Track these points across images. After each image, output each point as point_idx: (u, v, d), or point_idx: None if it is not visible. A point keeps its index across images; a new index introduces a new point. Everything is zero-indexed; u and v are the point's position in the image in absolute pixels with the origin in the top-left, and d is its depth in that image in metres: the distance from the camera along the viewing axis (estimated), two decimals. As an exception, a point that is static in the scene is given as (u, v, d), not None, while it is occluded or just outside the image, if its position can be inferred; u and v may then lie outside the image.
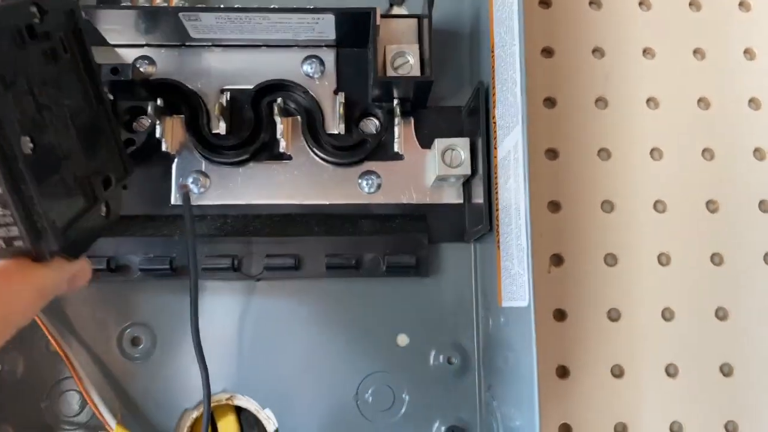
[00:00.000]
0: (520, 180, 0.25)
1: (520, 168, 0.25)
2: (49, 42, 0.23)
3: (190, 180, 0.34)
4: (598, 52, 0.38)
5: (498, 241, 0.29)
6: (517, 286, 0.26)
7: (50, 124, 0.23)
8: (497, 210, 0.30)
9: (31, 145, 0.21)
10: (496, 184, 0.30)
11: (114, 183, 0.26)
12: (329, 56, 0.35)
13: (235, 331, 0.34)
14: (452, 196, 0.35)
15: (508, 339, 0.28)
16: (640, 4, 0.39)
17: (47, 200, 0.21)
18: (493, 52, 0.30)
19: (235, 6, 0.31)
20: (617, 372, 0.35)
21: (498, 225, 0.29)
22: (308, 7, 0.32)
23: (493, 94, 0.30)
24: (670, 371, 0.35)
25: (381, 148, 0.35)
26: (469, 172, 0.32)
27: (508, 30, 0.27)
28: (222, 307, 0.34)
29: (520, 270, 0.25)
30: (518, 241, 0.26)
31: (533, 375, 0.23)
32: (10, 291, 0.21)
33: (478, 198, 0.32)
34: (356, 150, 0.34)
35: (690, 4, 0.39)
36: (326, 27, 0.33)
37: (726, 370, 0.35)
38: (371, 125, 0.35)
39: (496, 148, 0.30)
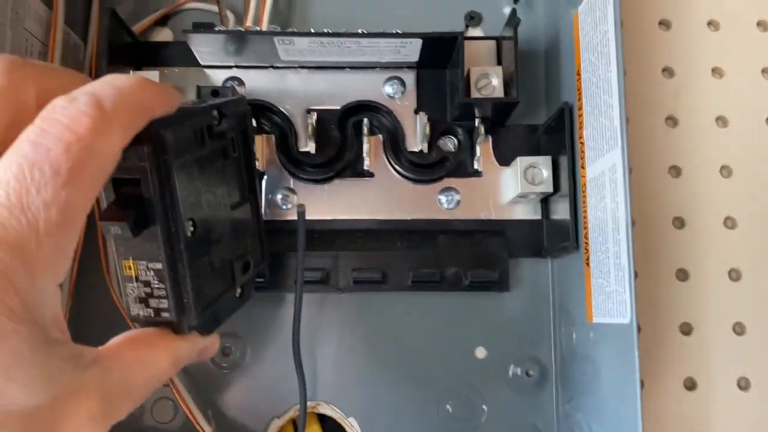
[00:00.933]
0: (620, 200, 0.27)
1: (619, 189, 0.26)
2: (222, 141, 0.26)
3: (279, 197, 0.35)
4: (667, 71, 0.39)
5: (587, 259, 0.30)
6: (614, 303, 0.27)
7: (209, 211, 0.25)
8: (585, 228, 0.31)
9: (192, 228, 0.23)
10: (584, 202, 0.31)
11: (252, 268, 0.29)
12: (410, 77, 0.36)
13: (320, 342, 0.35)
14: (530, 212, 0.36)
15: (598, 354, 0.29)
16: (709, 24, 0.40)
17: (195, 279, 0.23)
18: (579, 75, 0.31)
19: (328, 31, 0.33)
20: (689, 385, 0.36)
21: (587, 243, 0.30)
22: (396, 31, 0.33)
23: (580, 116, 0.31)
24: (742, 385, 0.36)
25: (460, 166, 0.36)
26: (551, 189, 0.33)
27: (602, 55, 0.28)
28: (308, 319, 0.35)
29: (619, 288, 0.26)
30: (617, 260, 0.27)
31: (636, 393, 0.24)
32: (151, 357, 0.22)
33: (560, 215, 0.33)
34: (436, 167, 0.35)
35: (758, 24, 0.40)
36: (411, 50, 0.34)
37: (801, 384, 0.36)
38: (450, 143, 0.36)
39: (583, 168, 0.31)
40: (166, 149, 0.21)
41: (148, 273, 0.22)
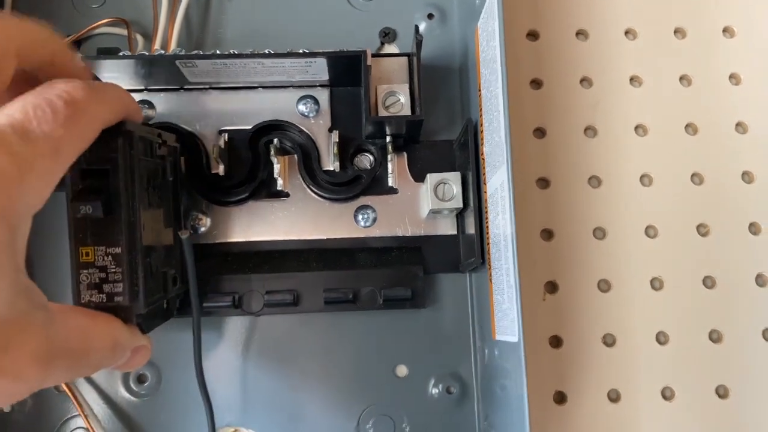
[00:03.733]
0: (507, 218, 0.26)
1: (507, 207, 0.26)
2: (163, 162, 0.30)
3: (190, 220, 0.35)
4: (586, 81, 0.39)
5: (490, 276, 0.30)
6: (508, 320, 0.27)
7: (152, 219, 0.28)
8: (488, 244, 0.31)
9: (143, 223, 0.26)
10: (487, 218, 0.31)
11: (178, 283, 0.31)
12: (323, 95, 0.36)
13: (237, 366, 0.35)
14: (447, 227, 0.36)
15: (503, 371, 0.29)
16: (626, 33, 0.40)
17: (145, 271, 0.26)
18: (480, 90, 0.31)
19: (231, 52, 0.33)
20: (614, 396, 0.35)
21: (489, 258, 0.30)
22: (301, 51, 0.33)
23: (481, 131, 0.31)
24: (666, 394, 0.36)
25: (376, 183, 0.36)
26: (461, 205, 0.33)
27: (493, 71, 0.28)
28: (224, 343, 0.35)
29: (510, 305, 0.26)
30: (507, 278, 0.26)
31: (524, 410, 0.24)
32: (94, 329, 0.24)
33: (471, 229, 0.33)
34: (351, 185, 0.35)
35: (675, 32, 0.40)
36: (319, 69, 0.34)
37: (722, 392, 0.36)
38: (366, 161, 0.36)
39: (485, 183, 0.31)
40: (133, 145, 0.25)
41: (106, 258, 0.25)
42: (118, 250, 0.25)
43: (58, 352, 0.21)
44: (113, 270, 0.25)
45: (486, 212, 0.31)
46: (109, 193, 0.25)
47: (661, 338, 0.36)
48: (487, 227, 0.31)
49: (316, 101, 0.36)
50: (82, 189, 0.24)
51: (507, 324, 0.27)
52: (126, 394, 0.34)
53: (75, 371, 0.23)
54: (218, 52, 0.33)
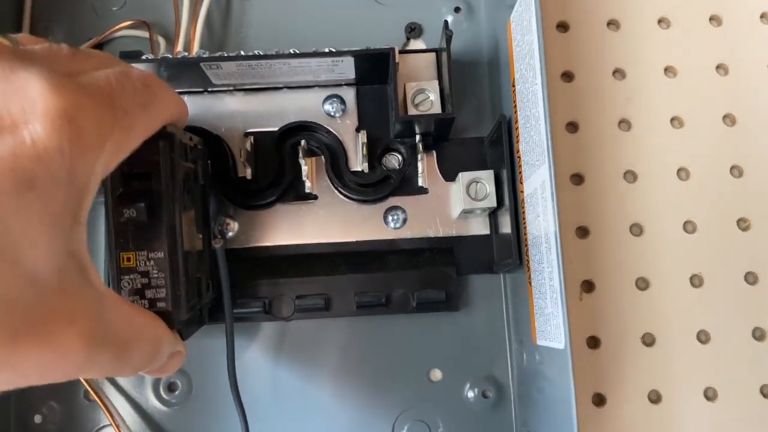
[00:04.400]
0: (549, 220, 0.25)
1: (549, 208, 0.25)
2: (195, 166, 0.29)
3: (217, 225, 0.34)
4: (618, 73, 0.38)
5: (529, 278, 0.29)
6: (552, 326, 0.26)
7: (187, 223, 0.27)
8: (526, 245, 0.30)
9: (182, 229, 0.26)
10: (524, 218, 0.30)
11: (211, 290, 0.31)
12: (350, 95, 0.35)
13: (269, 372, 0.34)
14: (479, 227, 0.35)
15: (544, 376, 0.28)
16: (660, 21, 0.38)
17: (186, 278, 0.26)
18: (514, 86, 0.30)
19: (255, 53, 0.32)
20: (654, 397, 0.34)
21: (528, 260, 0.29)
22: (327, 50, 0.32)
23: (516, 128, 0.30)
24: (709, 395, 0.35)
25: (405, 183, 0.35)
26: (494, 204, 0.32)
27: (529, 67, 0.27)
28: (254, 349, 0.34)
29: (554, 311, 0.25)
30: (551, 282, 0.25)
31: (572, 419, 0.23)
32: (140, 324, 0.23)
33: (506, 229, 0.32)
34: (380, 186, 0.34)
35: (710, 19, 0.38)
36: (346, 68, 0.33)
37: (766, 392, 0.35)
38: (394, 160, 0.35)
39: (521, 183, 0.30)
40: (174, 148, 0.25)
41: (148, 263, 0.25)
42: (160, 254, 0.25)
43: (106, 336, 0.20)
44: (156, 275, 0.25)
45: (523, 212, 0.30)
46: (152, 196, 0.25)
47: (702, 337, 0.35)
48: (525, 227, 0.30)
49: (342, 101, 0.35)
50: (125, 192, 0.24)
51: (550, 329, 0.26)
52: (157, 403, 0.34)
53: (118, 363, 0.21)
54: (242, 53, 0.33)
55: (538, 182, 0.27)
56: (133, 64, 0.31)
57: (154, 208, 0.25)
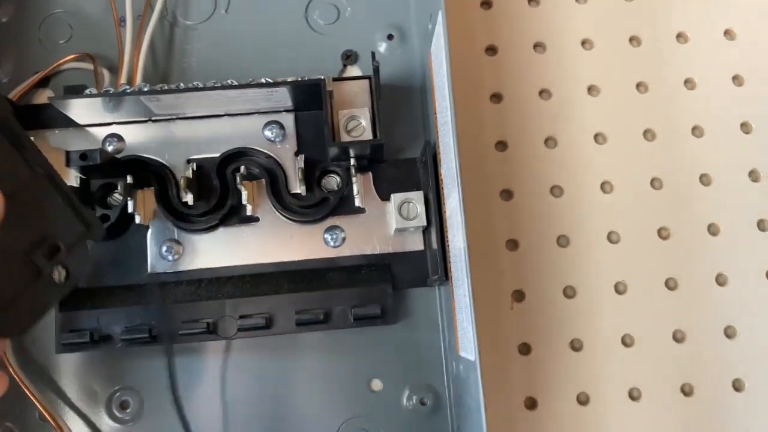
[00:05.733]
0: (460, 239, 0.27)
1: (460, 231, 0.27)
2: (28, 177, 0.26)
3: (164, 249, 0.35)
4: (545, 92, 0.40)
5: (452, 292, 0.31)
6: (467, 339, 0.28)
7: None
8: (449, 262, 0.32)
9: None
10: (447, 236, 0.32)
11: (63, 248, 0.27)
12: (289, 120, 0.37)
13: (215, 389, 0.36)
14: (414, 243, 0.36)
15: (466, 385, 0.30)
16: (583, 43, 0.41)
17: None
18: (435, 114, 0.32)
19: (194, 84, 0.33)
20: (584, 399, 0.37)
21: (452, 276, 0.31)
22: (264, 80, 0.33)
23: (439, 153, 0.32)
24: (634, 395, 0.37)
25: (344, 203, 0.36)
26: (424, 223, 0.34)
27: (443, 98, 0.29)
28: (201, 367, 0.36)
29: (467, 325, 0.27)
30: (464, 298, 0.27)
31: (482, 426, 0.25)
32: None
33: (435, 245, 0.34)
34: (319, 207, 0.36)
35: (630, 40, 0.41)
36: (282, 96, 0.35)
37: (687, 390, 0.37)
38: (333, 182, 0.37)
39: (444, 203, 0.32)
40: None
41: None
42: None
43: None
44: None
45: (446, 230, 0.32)
46: None
47: (627, 340, 0.37)
48: (449, 244, 0.32)
49: (281, 126, 0.37)
50: None
51: (466, 341, 0.28)
52: (110, 421, 0.35)
53: None
54: (182, 84, 0.34)
55: (453, 204, 0.29)
56: (75, 100, 0.33)
57: None
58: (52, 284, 0.26)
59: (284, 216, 0.36)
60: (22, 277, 0.25)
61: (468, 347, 0.27)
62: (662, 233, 0.39)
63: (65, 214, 0.28)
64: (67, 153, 0.33)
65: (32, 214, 0.26)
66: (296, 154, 0.36)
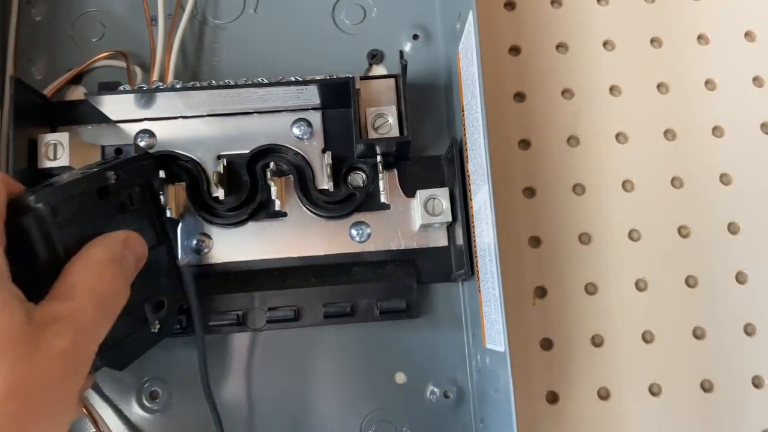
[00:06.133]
0: (491, 235, 0.28)
1: (490, 225, 0.28)
2: (120, 198, 0.29)
3: (194, 242, 0.36)
4: (567, 92, 0.41)
5: (479, 286, 0.32)
6: (495, 331, 0.28)
7: None
8: (476, 257, 0.32)
9: None
10: (474, 231, 0.32)
11: (167, 306, 0.31)
12: (316, 118, 0.37)
13: (243, 380, 0.36)
14: (438, 239, 0.37)
15: (494, 377, 0.30)
16: (605, 44, 0.41)
17: None
18: (463, 111, 0.33)
19: (226, 82, 0.34)
20: (604, 394, 0.37)
21: (478, 270, 0.32)
22: (294, 78, 0.34)
23: (466, 150, 0.33)
24: (654, 390, 0.37)
25: (369, 200, 0.37)
26: (450, 219, 0.35)
27: (473, 96, 0.30)
28: (230, 358, 0.36)
29: (496, 317, 0.28)
30: (493, 291, 0.28)
31: (512, 416, 0.26)
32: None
33: (460, 241, 0.35)
34: (346, 203, 0.37)
35: (651, 41, 0.41)
36: (311, 94, 0.35)
37: (707, 386, 0.37)
38: (359, 178, 0.38)
39: (471, 199, 0.32)
40: (45, 219, 0.25)
41: None
42: None
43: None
44: None
45: (473, 225, 0.32)
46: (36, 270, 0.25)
47: (647, 337, 0.38)
48: (475, 241, 0.32)
49: (309, 124, 0.37)
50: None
51: (494, 334, 0.29)
52: (140, 411, 0.36)
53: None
54: (213, 82, 0.35)
55: (482, 200, 0.29)
56: (109, 96, 0.34)
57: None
58: (150, 333, 0.31)
59: (311, 211, 0.37)
60: (132, 323, 0.29)
61: (496, 339, 0.28)
62: (682, 231, 0.39)
63: (171, 278, 0.32)
64: (103, 148, 0.34)
65: (153, 272, 0.30)
66: (323, 151, 0.37)
